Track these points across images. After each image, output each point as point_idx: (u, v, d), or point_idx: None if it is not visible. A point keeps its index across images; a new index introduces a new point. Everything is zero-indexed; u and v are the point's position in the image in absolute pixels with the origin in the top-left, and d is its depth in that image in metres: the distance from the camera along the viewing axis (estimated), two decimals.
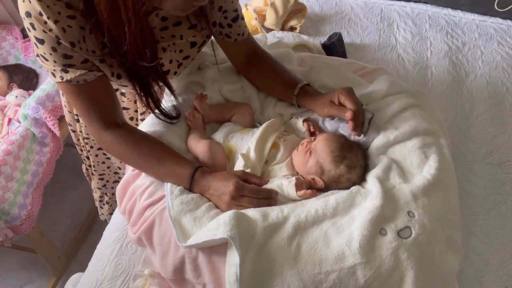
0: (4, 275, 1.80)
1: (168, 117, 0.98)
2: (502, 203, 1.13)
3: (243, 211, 0.81)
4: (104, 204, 1.62)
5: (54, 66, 0.81)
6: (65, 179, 2.11)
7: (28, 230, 1.48)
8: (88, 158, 1.41)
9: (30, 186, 1.47)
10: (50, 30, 0.75)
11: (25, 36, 1.87)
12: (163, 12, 0.89)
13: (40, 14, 0.74)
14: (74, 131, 1.33)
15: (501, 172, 1.20)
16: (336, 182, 0.90)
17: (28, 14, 0.74)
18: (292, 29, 1.65)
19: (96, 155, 1.35)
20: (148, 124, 0.99)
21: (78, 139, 1.35)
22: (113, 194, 1.56)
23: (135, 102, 1.17)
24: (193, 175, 0.87)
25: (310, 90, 1.02)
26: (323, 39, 1.61)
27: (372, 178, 0.88)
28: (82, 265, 1.05)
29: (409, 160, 0.93)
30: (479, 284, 0.96)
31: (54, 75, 0.83)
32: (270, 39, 1.50)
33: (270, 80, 1.08)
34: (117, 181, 1.48)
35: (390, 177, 0.89)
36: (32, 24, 0.75)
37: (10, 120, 1.51)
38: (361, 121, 0.93)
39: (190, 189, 0.88)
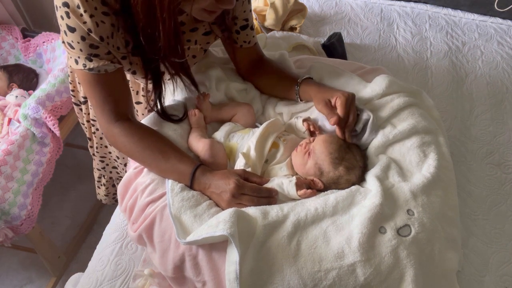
0: (4, 275, 1.80)
1: (170, 119, 0.99)
2: (502, 203, 1.13)
3: (243, 209, 0.81)
4: (101, 185, 1.65)
5: (79, 54, 0.84)
6: (65, 179, 2.11)
7: (28, 230, 1.47)
8: (90, 139, 1.44)
9: (30, 186, 1.47)
10: (84, 23, 0.79)
11: (25, 36, 1.87)
12: (182, 17, 0.93)
13: (78, 7, 0.78)
14: (81, 110, 1.35)
15: (501, 172, 1.20)
16: (335, 184, 0.90)
17: (66, 5, 0.78)
18: (292, 29, 1.65)
19: (101, 138, 1.39)
20: (150, 121, 0.99)
21: (83, 119, 1.38)
22: (111, 178, 1.59)
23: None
24: (194, 172, 0.88)
25: (313, 82, 1.04)
26: (323, 39, 1.61)
27: (371, 177, 0.88)
28: (82, 265, 1.05)
29: (408, 159, 0.93)
30: (479, 284, 0.96)
31: (76, 62, 0.85)
32: (270, 39, 1.50)
33: (273, 80, 1.10)
34: (115, 167, 1.51)
35: (389, 176, 0.89)
36: (67, 13, 0.79)
37: (10, 120, 1.51)
38: (349, 129, 0.93)
39: (191, 186, 0.89)
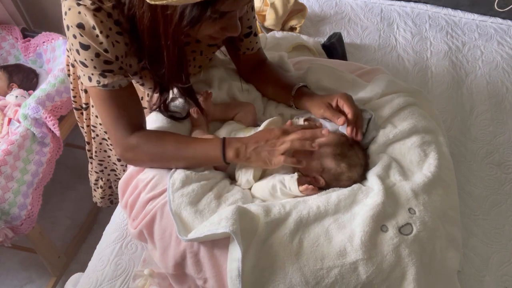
0: (4, 275, 1.80)
1: (173, 117, 0.99)
2: (502, 203, 1.13)
3: (246, 206, 0.81)
4: (98, 188, 1.64)
5: (92, 71, 0.83)
6: (65, 179, 2.11)
7: (28, 230, 1.47)
8: (88, 143, 1.43)
9: (30, 186, 1.47)
10: (101, 43, 0.79)
11: (25, 36, 1.87)
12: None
13: (93, 28, 0.77)
14: (82, 114, 1.35)
15: (501, 172, 1.20)
16: (337, 181, 0.90)
17: (80, 26, 0.77)
18: (292, 29, 1.66)
19: (100, 143, 1.38)
20: (152, 120, 0.99)
21: (83, 123, 1.38)
22: (108, 180, 1.59)
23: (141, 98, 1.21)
24: (224, 140, 0.88)
25: (307, 91, 1.05)
26: (323, 39, 1.61)
27: (372, 176, 0.88)
28: (82, 265, 1.05)
29: (408, 158, 0.93)
30: (479, 284, 0.96)
31: (90, 79, 0.84)
32: (270, 39, 1.50)
33: (271, 88, 1.12)
34: (114, 170, 1.51)
35: (390, 174, 0.89)
36: (81, 34, 0.78)
37: (10, 120, 1.51)
38: (359, 126, 0.94)
39: (224, 156, 0.87)
